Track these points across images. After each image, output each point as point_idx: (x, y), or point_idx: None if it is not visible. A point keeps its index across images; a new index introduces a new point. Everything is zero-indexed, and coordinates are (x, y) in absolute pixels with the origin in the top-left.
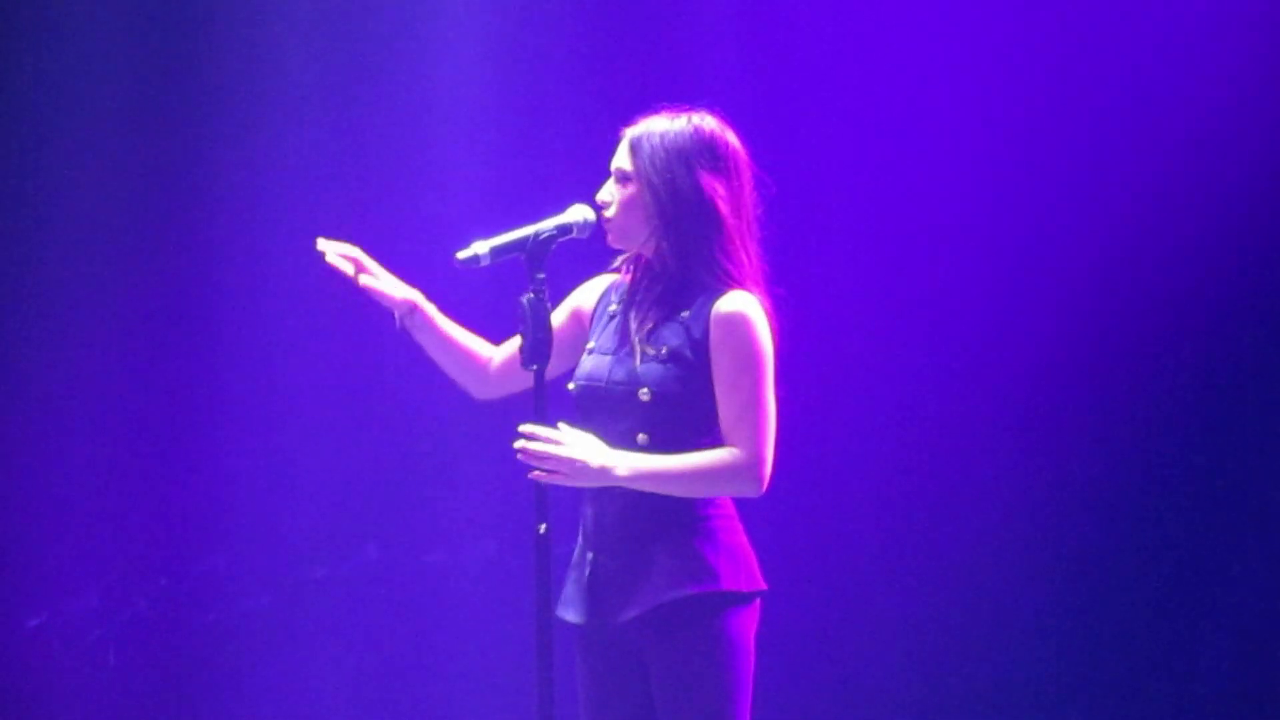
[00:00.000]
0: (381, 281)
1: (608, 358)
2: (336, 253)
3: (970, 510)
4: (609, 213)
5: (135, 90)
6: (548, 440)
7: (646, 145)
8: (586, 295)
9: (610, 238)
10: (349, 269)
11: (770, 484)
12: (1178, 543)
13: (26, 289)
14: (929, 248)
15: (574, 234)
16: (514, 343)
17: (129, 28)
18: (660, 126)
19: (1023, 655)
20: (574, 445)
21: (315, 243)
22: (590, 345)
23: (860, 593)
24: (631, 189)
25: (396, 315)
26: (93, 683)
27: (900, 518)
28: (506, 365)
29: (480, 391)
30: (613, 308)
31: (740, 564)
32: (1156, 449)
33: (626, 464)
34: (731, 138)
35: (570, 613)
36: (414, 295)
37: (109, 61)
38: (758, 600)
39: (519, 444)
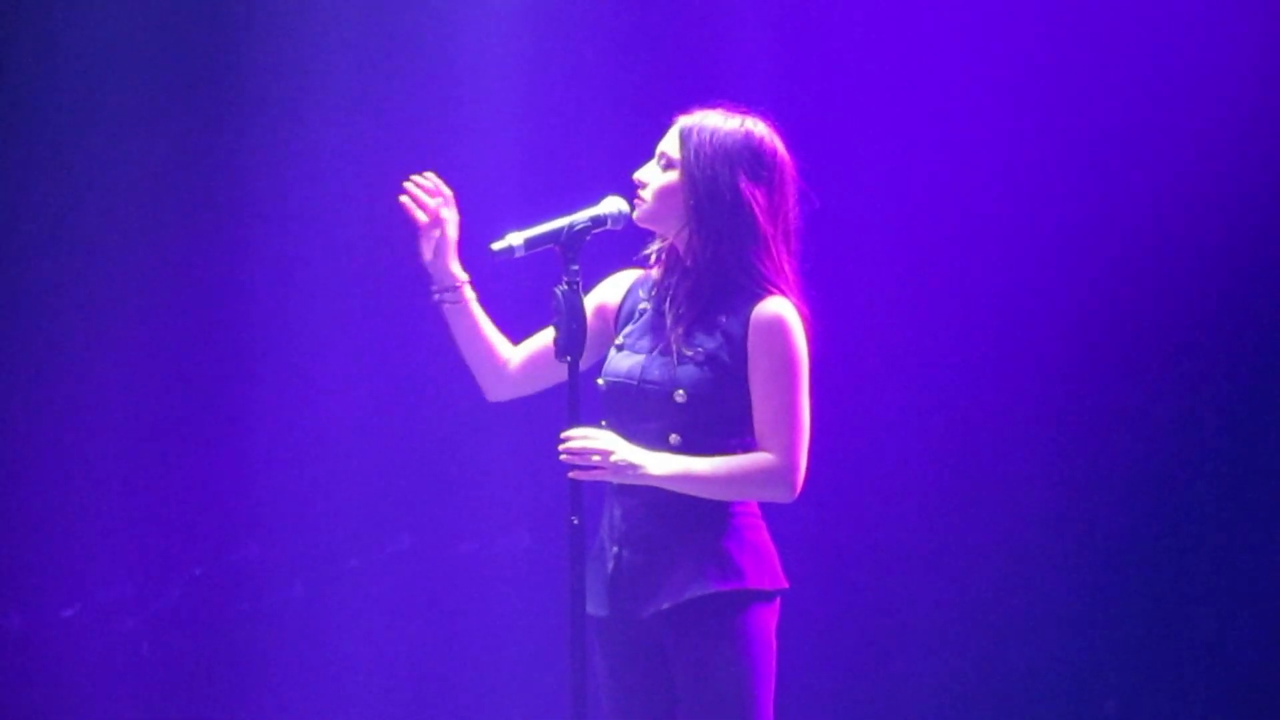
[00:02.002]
0: (443, 245)
1: (640, 357)
2: (425, 189)
3: (997, 504)
4: (644, 193)
5: (166, 89)
6: (586, 437)
7: (695, 138)
8: (611, 290)
9: (639, 217)
10: (422, 216)
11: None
12: (1207, 534)
13: (59, 282)
14: (955, 249)
15: (608, 226)
16: (533, 342)
17: (159, 27)
18: (713, 122)
19: (1053, 647)
20: (612, 442)
21: (409, 180)
22: (619, 341)
23: (887, 588)
24: (671, 176)
25: (436, 286)
26: (126, 672)
27: (928, 513)
28: (526, 365)
29: (494, 390)
30: (643, 305)
31: (764, 562)
32: (1185, 441)
33: (663, 464)
34: (780, 148)
35: (592, 605)
36: (462, 276)
37: (140, 60)
38: (778, 598)
39: (562, 447)
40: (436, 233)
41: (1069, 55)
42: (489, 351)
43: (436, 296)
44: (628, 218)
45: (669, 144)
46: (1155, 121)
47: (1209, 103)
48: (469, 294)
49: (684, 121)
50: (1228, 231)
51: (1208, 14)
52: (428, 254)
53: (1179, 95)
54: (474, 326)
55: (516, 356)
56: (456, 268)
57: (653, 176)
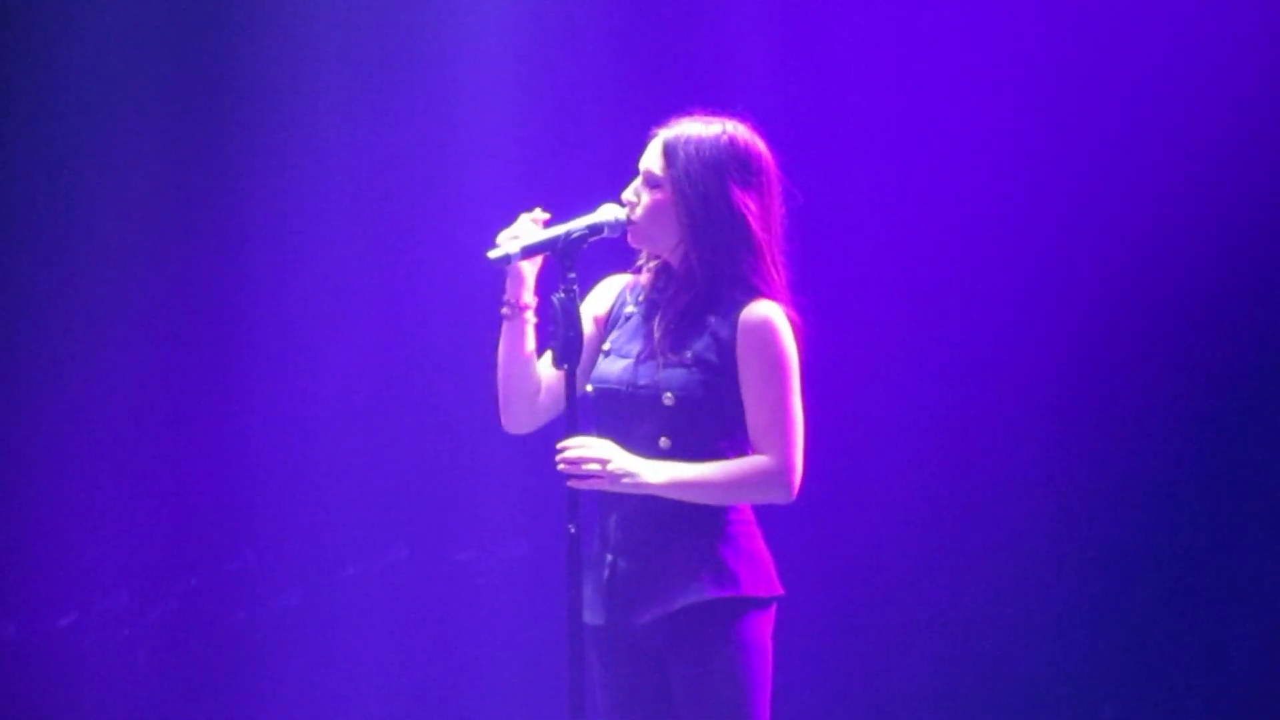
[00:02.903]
0: (529, 267)
1: (628, 361)
2: (530, 218)
3: (994, 510)
4: (634, 214)
5: (165, 91)
6: (582, 446)
7: (681, 154)
8: (600, 299)
9: (631, 238)
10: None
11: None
12: (1206, 536)
13: (56, 291)
14: (952, 252)
15: (605, 234)
16: (547, 368)
17: (158, 29)
18: (695, 134)
19: (1050, 653)
20: (609, 451)
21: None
22: (606, 347)
23: (884, 594)
24: (660, 194)
25: (509, 299)
26: (123, 681)
27: (924, 519)
28: (548, 391)
29: (519, 418)
30: (629, 309)
31: (759, 569)
32: (1183, 445)
33: (660, 472)
34: (763, 149)
35: (589, 614)
36: (531, 301)
37: (140, 63)
38: (774, 605)
39: (559, 456)
40: (526, 263)
41: (1068, 54)
42: (529, 377)
43: (506, 310)
44: (624, 226)
45: (652, 160)
46: (1157, 120)
47: (1209, 103)
48: (530, 318)
49: (665, 135)
50: (1229, 232)
51: (1208, 14)
52: (512, 275)
53: (1179, 96)
54: (522, 348)
55: (544, 381)
56: (530, 291)
57: (640, 196)
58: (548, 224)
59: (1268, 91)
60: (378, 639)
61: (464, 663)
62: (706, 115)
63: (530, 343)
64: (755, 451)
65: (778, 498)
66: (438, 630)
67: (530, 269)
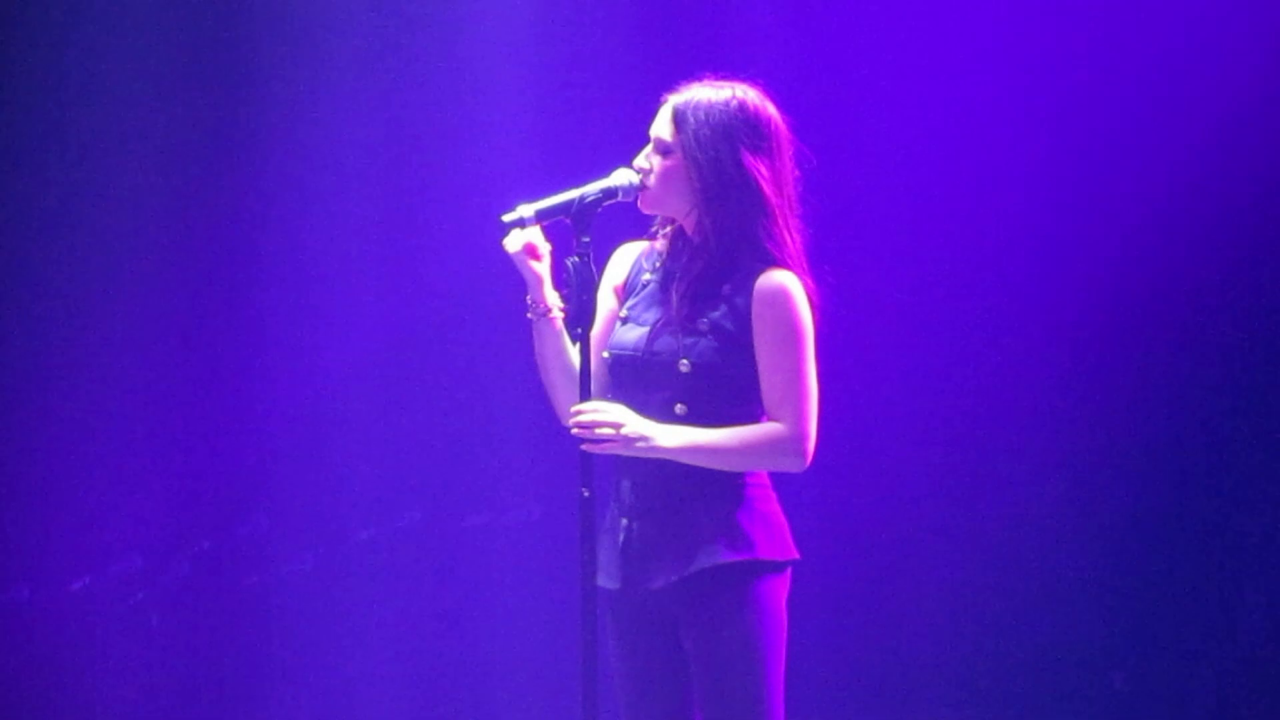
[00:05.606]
0: (542, 273)
1: (645, 328)
2: (520, 238)
3: (1007, 479)
4: (647, 181)
5: (175, 81)
6: (597, 410)
7: (691, 120)
8: (618, 268)
9: (644, 204)
10: (514, 246)
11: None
12: (1216, 504)
13: (65, 259)
14: (967, 225)
15: (619, 197)
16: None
17: (169, 21)
18: (705, 99)
19: (1060, 619)
20: (623, 415)
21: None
22: (623, 314)
23: (898, 560)
24: (671, 161)
25: (531, 302)
26: (135, 644)
27: (938, 487)
28: (598, 379)
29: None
30: (646, 276)
31: (775, 532)
32: (1192, 417)
33: (674, 436)
34: (774, 112)
35: (604, 578)
36: (555, 303)
37: (150, 55)
38: (789, 569)
39: (573, 420)
40: (537, 264)
41: (1077, 43)
42: (571, 372)
43: (530, 315)
44: (638, 189)
45: (661, 127)
46: (1167, 111)
47: (1212, 100)
48: (557, 315)
49: (675, 101)
50: (1246, 210)
51: (1210, 13)
52: (529, 280)
53: (1182, 93)
54: (558, 346)
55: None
56: (548, 291)
57: (652, 162)
58: (561, 189)
59: (1267, 89)
60: (390, 603)
61: (477, 627)
62: (716, 81)
63: (563, 340)
64: (769, 419)
65: (790, 465)
66: (450, 595)
67: (543, 269)
